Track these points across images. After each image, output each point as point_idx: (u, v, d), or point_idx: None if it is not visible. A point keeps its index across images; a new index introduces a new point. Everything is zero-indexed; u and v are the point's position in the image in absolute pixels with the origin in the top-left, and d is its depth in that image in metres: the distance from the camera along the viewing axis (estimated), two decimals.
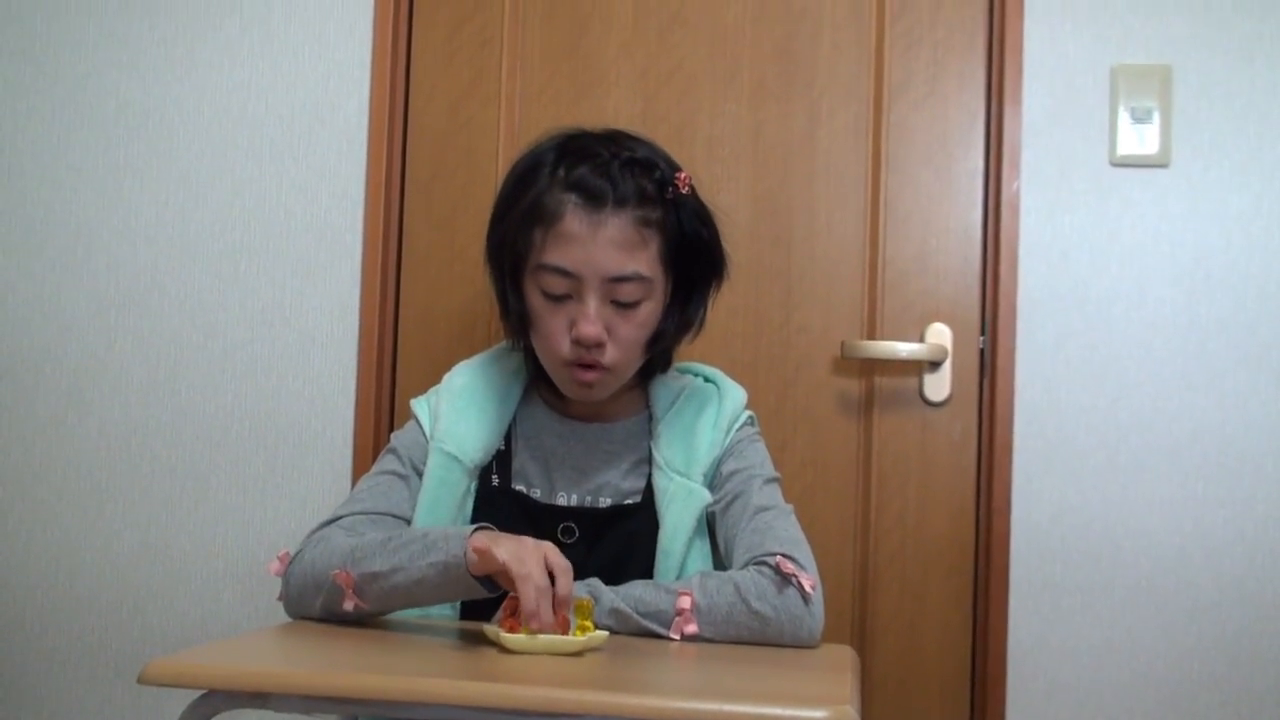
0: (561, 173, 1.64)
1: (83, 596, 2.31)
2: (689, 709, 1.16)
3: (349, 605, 1.51)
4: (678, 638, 1.52)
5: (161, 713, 2.27)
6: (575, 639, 1.39)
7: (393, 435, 1.79)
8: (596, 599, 1.52)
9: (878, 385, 2.23)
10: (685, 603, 1.53)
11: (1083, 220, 2.19)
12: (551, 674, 1.27)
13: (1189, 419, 2.16)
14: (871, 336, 2.23)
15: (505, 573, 1.40)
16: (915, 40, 2.25)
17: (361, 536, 1.58)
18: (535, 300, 1.66)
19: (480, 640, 1.44)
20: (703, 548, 1.69)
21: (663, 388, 1.80)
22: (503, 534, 1.47)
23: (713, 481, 1.72)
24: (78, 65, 2.35)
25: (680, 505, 1.68)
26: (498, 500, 1.71)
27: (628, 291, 1.64)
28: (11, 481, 2.33)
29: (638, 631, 1.53)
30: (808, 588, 1.54)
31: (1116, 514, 2.16)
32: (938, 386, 2.21)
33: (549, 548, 1.43)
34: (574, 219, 1.62)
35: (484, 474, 1.72)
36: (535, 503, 1.72)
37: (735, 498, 1.70)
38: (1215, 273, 2.17)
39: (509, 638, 1.38)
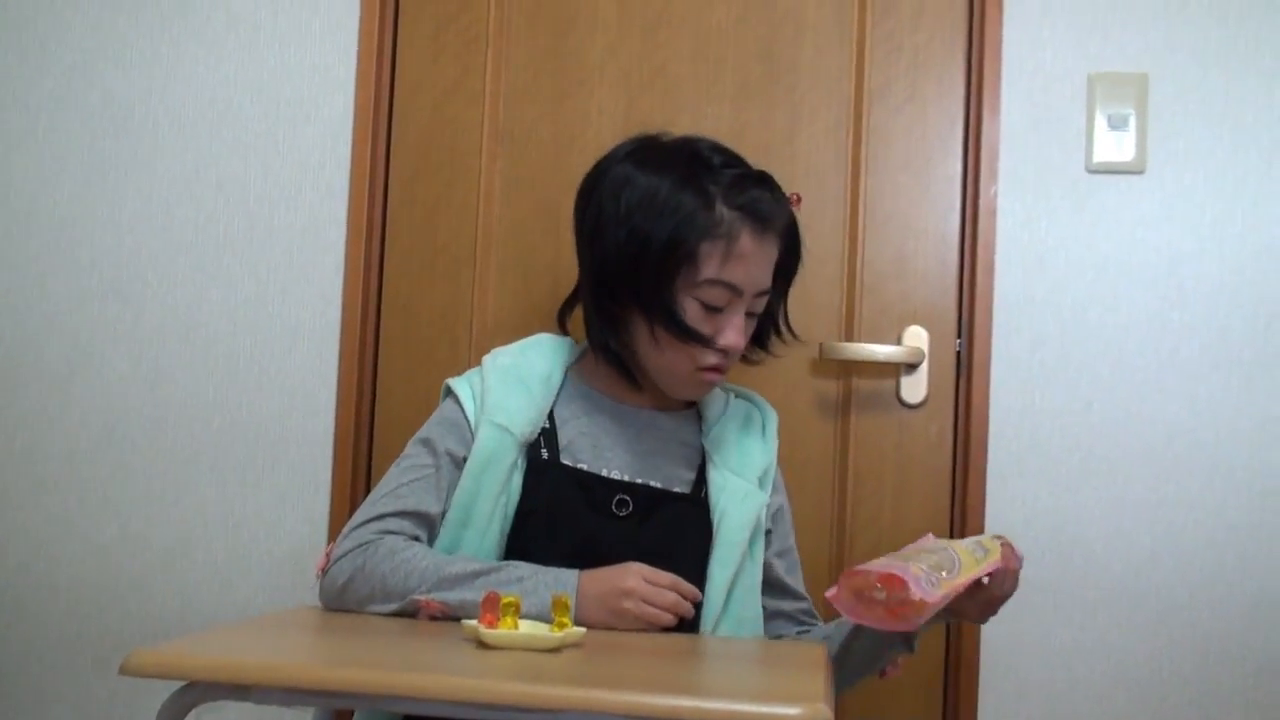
0: (732, 193, 1.69)
1: (62, 587, 2.31)
2: (664, 705, 1.17)
3: (423, 617, 1.60)
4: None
5: (139, 704, 2.28)
6: (553, 635, 1.40)
7: (425, 426, 1.80)
8: None
9: (855, 386, 2.25)
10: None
11: (1059, 226, 2.21)
12: (529, 669, 1.29)
13: (1161, 422, 2.18)
14: (849, 338, 2.25)
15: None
16: (896, 45, 2.27)
17: (446, 561, 1.64)
18: (692, 312, 1.70)
19: (459, 635, 1.46)
20: (759, 541, 1.80)
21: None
22: (590, 584, 1.60)
23: (762, 485, 1.83)
24: (63, 59, 2.36)
25: (740, 501, 1.77)
26: (549, 474, 1.74)
27: (762, 304, 1.76)
28: None
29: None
30: None
31: (1089, 516, 2.18)
32: (914, 388, 2.23)
33: (635, 574, 1.61)
34: (747, 240, 1.69)
35: (531, 450, 1.75)
36: (589, 474, 1.75)
37: (775, 524, 1.86)
38: (1188, 278, 2.19)
39: (487, 633, 1.39)
